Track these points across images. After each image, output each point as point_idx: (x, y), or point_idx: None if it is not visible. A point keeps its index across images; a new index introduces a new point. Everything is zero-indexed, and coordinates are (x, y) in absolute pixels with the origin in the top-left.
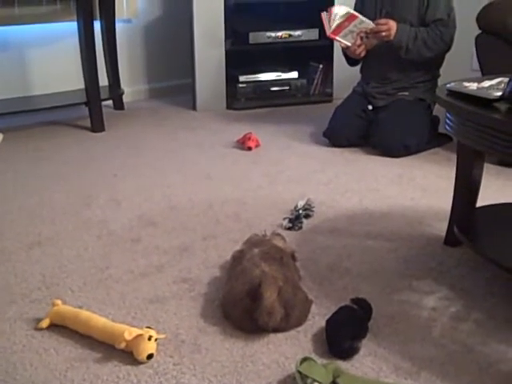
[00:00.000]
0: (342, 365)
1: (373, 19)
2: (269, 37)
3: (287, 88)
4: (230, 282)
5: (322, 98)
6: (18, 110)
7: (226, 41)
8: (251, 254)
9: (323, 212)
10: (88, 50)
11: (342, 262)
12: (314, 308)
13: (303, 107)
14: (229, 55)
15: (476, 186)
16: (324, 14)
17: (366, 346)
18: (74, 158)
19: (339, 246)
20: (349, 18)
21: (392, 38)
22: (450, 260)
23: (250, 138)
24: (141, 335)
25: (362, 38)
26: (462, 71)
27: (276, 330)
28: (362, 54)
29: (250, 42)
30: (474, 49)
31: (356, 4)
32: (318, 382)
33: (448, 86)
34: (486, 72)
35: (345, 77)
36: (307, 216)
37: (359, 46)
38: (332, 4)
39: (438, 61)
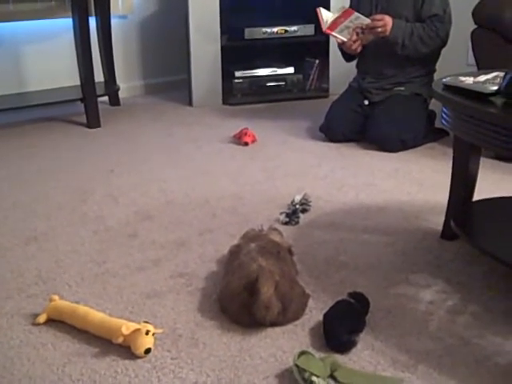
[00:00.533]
0: (340, 358)
1: (369, 15)
2: (264, 32)
3: (283, 83)
4: (227, 276)
5: (318, 93)
6: (13, 106)
7: (221, 36)
8: (248, 248)
9: (320, 206)
10: (83, 46)
11: (338, 256)
12: (311, 302)
13: (299, 102)
14: (224, 51)
15: (472, 180)
16: (320, 10)
17: (364, 339)
18: (70, 154)
19: (336, 241)
20: (345, 13)
21: (388, 33)
22: (447, 254)
23: (246, 134)
24: (138, 330)
25: (357, 34)
26: (457, 66)
27: (273, 324)
28: (358, 50)
29: (246, 37)
30: (470, 43)
31: (352, 0)
32: (315, 375)
33: (444, 80)
34: (482, 66)
35: (341, 72)
36: (304, 211)
37: (355, 41)
38: None
39: (434, 56)
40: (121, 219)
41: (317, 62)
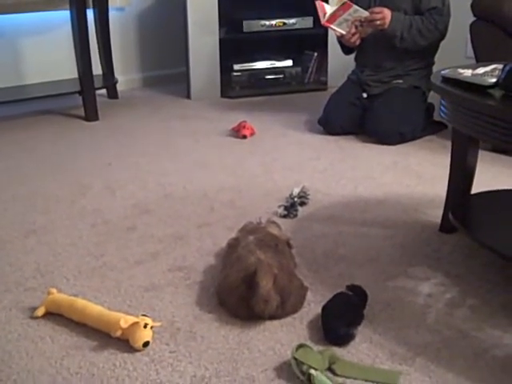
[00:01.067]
0: (338, 351)
1: (367, 8)
2: (263, 25)
3: (282, 76)
4: (225, 269)
5: (317, 86)
6: (11, 99)
7: (219, 29)
8: (246, 241)
9: (318, 200)
10: (81, 39)
11: (337, 249)
12: (309, 295)
13: (298, 95)
14: (223, 43)
15: (471, 173)
16: (318, 3)
17: (362, 332)
18: (68, 147)
19: (334, 234)
20: (343, 6)
21: (386, 26)
22: (445, 247)
23: (244, 127)
24: (136, 323)
25: (356, 27)
26: (456, 58)
27: (272, 318)
28: (357, 43)
29: (244, 30)
30: (469, 36)
31: None
32: (313, 368)
33: (443, 72)
34: (481, 59)
35: (339, 65)
36: (302, 204)
37: (354, 34)
38: None
39: (433, 48)
40: (119, 212)
41: (315, 54)
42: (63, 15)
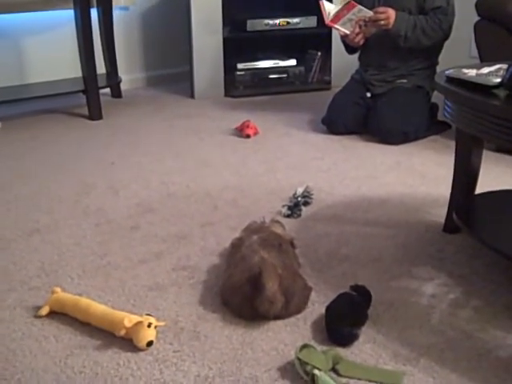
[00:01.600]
0: (342, 352)
1: (371, 7)
2: (266, 24)
3: (285, 76)
4: (229, 269)
5: (321, 85)
6: (15, 98)
7: (223, 28)
8: (250, 241)
9: (322, 199)
10: (85, 38)
11: (340, 248)
12: (313, 295)
13: (301, 95)
14: (227, 43)
15: (475, 173)
16: (322, 2)
17: (366, 332)
18: (72, 146)
19: (338, 233)
20: (347, 6)
21: (391, 26)
22: (449, 247)
23: (248, 126)
24: (140, 322)
25: (360, 26)
26: (460, 58)
27: (276, 318)
28: (361, 42)
29: (248, 29)
30: (473, 35)
31: None
32: (317, 368)
33: (447, 72)
34: (485, 59)
35: (343, 64)
36: (306, 203)
37: (358, 34)
38: None
39: (437, 48)
40: (122, 212)
41: (319, 54)
42: (67, 14)
